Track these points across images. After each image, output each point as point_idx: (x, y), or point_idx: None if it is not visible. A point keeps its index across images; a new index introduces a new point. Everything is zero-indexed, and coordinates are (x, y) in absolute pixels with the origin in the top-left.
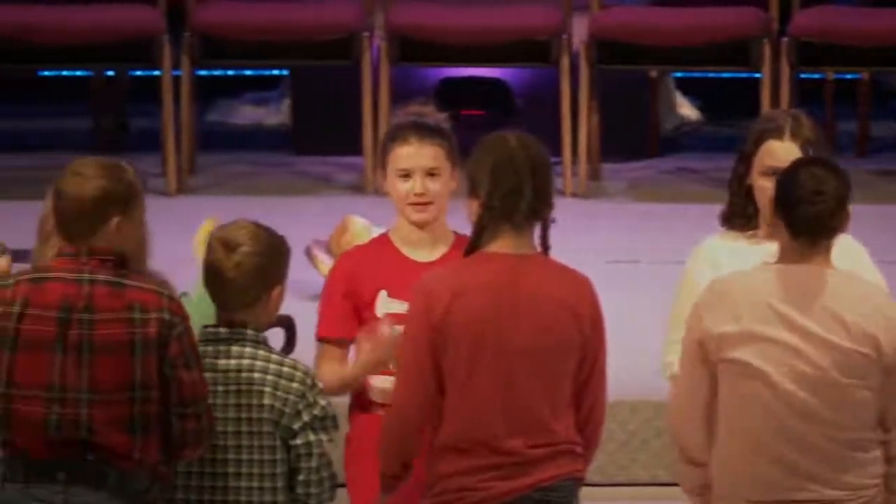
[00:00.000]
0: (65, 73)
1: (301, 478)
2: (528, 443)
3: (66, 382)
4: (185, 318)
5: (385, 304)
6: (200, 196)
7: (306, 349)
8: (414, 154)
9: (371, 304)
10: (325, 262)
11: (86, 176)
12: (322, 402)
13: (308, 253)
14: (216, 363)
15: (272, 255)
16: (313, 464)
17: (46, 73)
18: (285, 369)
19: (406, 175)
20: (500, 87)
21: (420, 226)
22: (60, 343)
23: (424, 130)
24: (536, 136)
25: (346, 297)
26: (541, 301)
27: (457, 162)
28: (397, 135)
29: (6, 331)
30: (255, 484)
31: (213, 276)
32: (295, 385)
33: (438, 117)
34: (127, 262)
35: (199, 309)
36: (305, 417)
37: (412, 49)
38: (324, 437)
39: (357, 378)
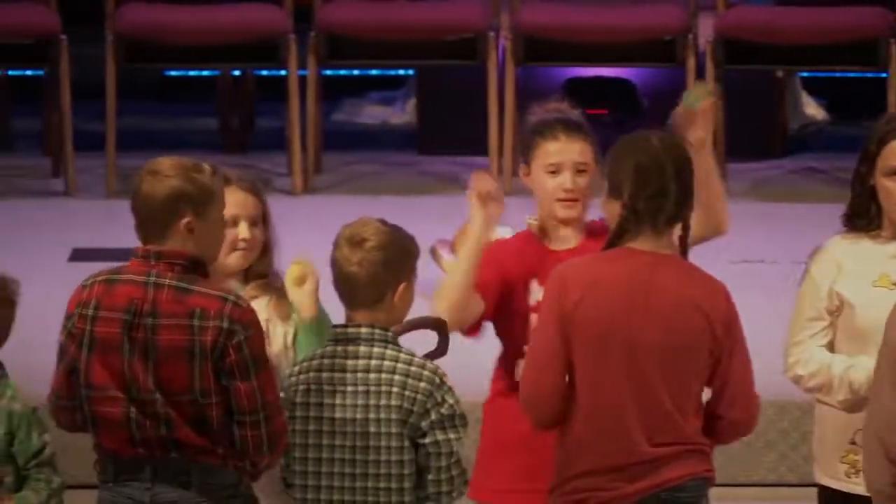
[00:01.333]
0: (192, 73)
1: (430, 477)
2: (655, 441)
3: (139, 384)
4: (250, 325)
5: (538, 293)
6: (326, 195)
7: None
8: (563, 149)
9: (520, 292)
10: (450, 262)
11: (160, 175)
12: (450, 400)
13: (433, 252)
14: (344, 363)
15: (397, 252)
16: (443, 462)
17: (173, 72)
18: (413, 368)
19: (555, 171)
20: (626, 87)
21: (566, 223)
22: (128, 346)
23: (572, 126)
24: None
25: (492, 278)
26: (673, 301)
27: (599, 160)
28: (545, 130)
29: (83, 333)
30: (382, 484)
31: (338, 273)
32: (423, 384)
33: (579, 114)
34: (201, 265)
35: (307, 336)
36: (433, 416)
37: (537, 49)
38: (452, 435)
39: (473, 253)
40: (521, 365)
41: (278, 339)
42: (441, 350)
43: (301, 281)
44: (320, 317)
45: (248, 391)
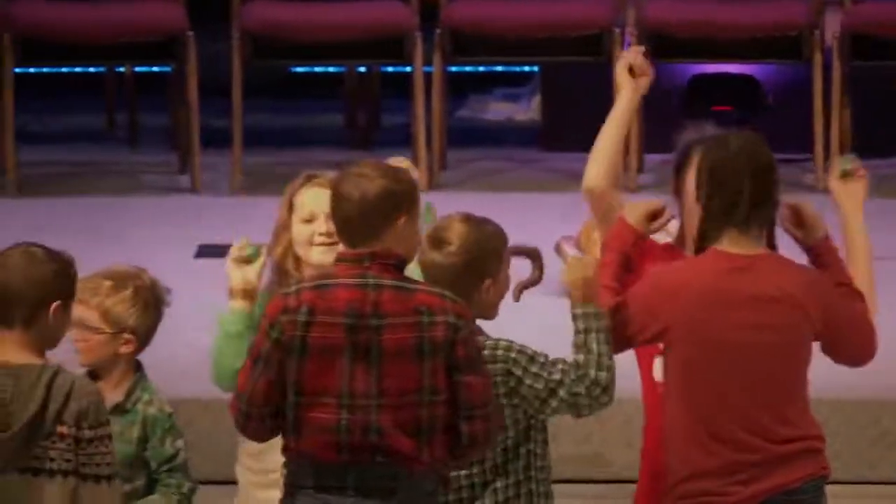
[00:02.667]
0: (318, 69)
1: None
2: (768, 440)
3: (356, 389)
4: (469, 320)
5: None
6: (451, 192)
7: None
8: None
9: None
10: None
11: (369, 177)
12: (533, 369)
13: (558, 249)
14: None
15: (479, 252)
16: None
17: (299, 69)
18: (486, 352)
19: None
20: (751, 84)
21: None
22: (350, 350)
23: None
24: (787, 132)
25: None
26: (765, 300)
27: None
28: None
29: (293, 339)
30: (476, 467)
31: (425, 275)
32: (499, 365)
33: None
34: (405, 263)
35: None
36: (522, 391)
37: (663, 45)
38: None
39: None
40: (660, 362)
41: None
42: (536, 278)
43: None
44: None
45: (478, 385)
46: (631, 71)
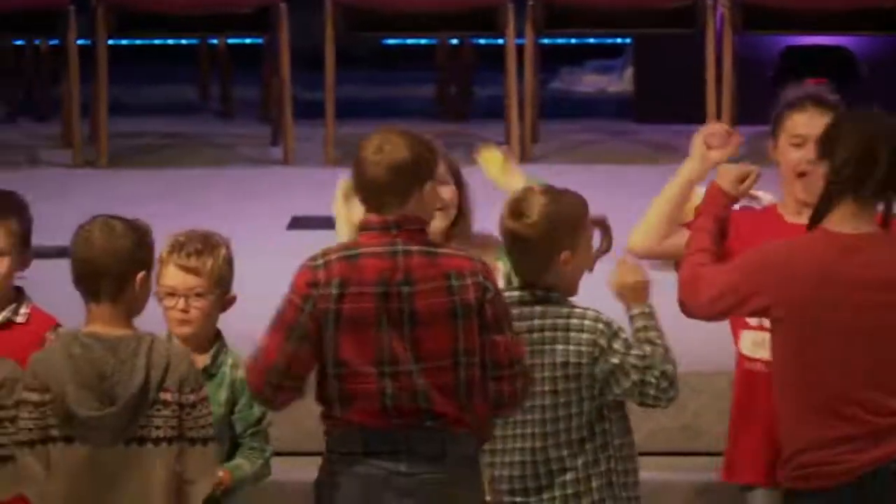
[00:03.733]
0: (410, 41)
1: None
2: (880, 412)
3: (394, 356)
4: (495, 281)
5: None
6: (543, 164)
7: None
8: (810, 122)
9: None
10: None
11: (396, 143)
12: (617, 345)
13: None
14: (520, 326)
15: (557, 224)
16: (633, 377)
17: (392, 41)
18: (573, 321)
19: (799, 143)
20: (845, 56)
21: (806, 200)
22: (383, 318)
23: (823, 102)
24: (880, 105)
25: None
26: (880, 281)
27: None
28: (795, 102)
29: (327, 312)
30: (551, 442)
31: (506, 244)
32: (585, 335)
33: (836, 97)
34: (427, 227)
35: None
36: (602, 363)
37: (756, 17)
38: (634, 351)
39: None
40: (747, 336)
41: None
42: (605, 248)
43: (503, 165)
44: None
45: (506, 344)
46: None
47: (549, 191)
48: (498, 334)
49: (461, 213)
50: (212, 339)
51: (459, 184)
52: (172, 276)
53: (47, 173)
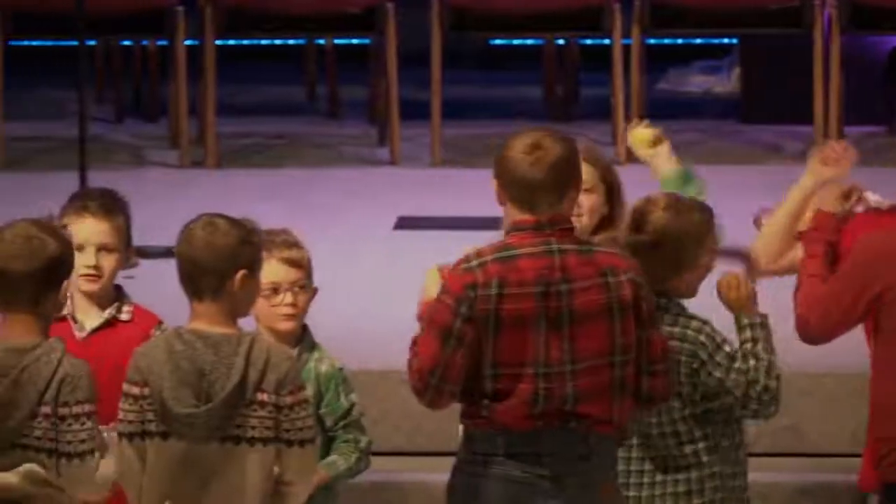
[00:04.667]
0: (516, 41)
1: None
2: None
3: (551, 357)
4: (645, 278)
5: None
6: (644, 164)
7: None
8: None
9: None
10: None
11: (548, 148)
12: (717, 358)
13: (756, 222)
14: None
15: (676, 241)
16: (736, 392)
17: (498, 41)
18: (677, 329)
19: None
20: None
21: None
22: (543, 318)
23: None
24: None
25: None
26: None
27: None
28: None
29: (487, 314)
30: (660, 444)
31: (629, 252)
32: (687, 345)
33: None
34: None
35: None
36: (702, 375)
37: (864, 16)
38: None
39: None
40: None
41: None
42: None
43: (654, 143)
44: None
45: (659, 339)
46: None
47: (674, 204)
48: (653, 329)
49: (610, 220)
50: (298, 334)
51: (612, 191)
52: (274, 271)
53: (155, 174)
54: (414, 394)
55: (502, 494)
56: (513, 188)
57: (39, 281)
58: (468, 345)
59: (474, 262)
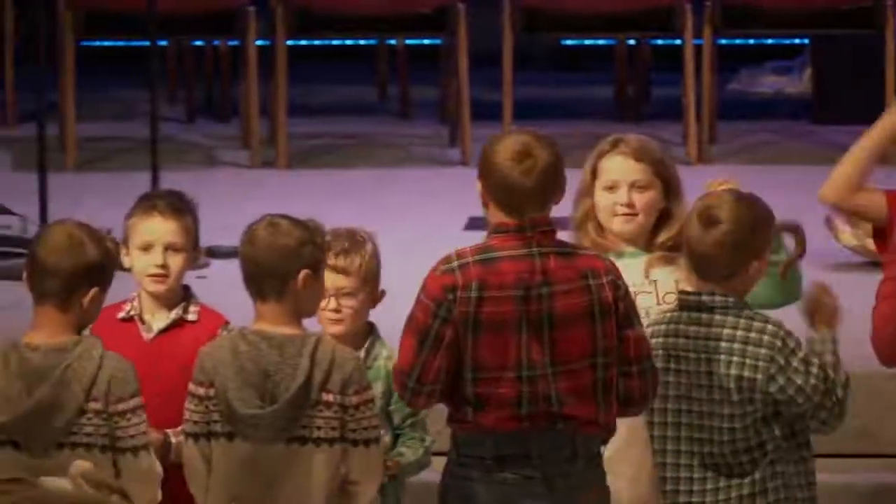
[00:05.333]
0: (587, 42)
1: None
2: None
3: (532, 360)
4: (624, 279)
5: None
6: (720, 165)
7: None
8: None
9: None
10: (846, 232)
11: (537, 156)
12: (794, 362)
13: (828, 223)
14: (688, 329)
15: (750, 232)
16: (814, 399)
17: (569, 42)
18: (752, 334)
19: None
20: None
21: None
22: (524, 321)
23: None
24: None
25: None
26: None
27: None
28: None
29: (466, 317)
30: (727, 449)
31: (690, 250)
32: (763, 350)
33: None
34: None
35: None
36: (780, 381)
37: None
38: (811, 378)
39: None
40: None
41: None
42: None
43: None
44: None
45: (637, 338)
46: None
47: (743, 197)
48: (629, 328)
49: (666, 220)
50: (365, 334)
51: (671, 190)
52: (329, 275)
53: (226, 174)
54: (396, 392)
55: (492, 497)
56: (499, 193)
57: (69, 280)
58: (447, 346)
59: (455, 264)
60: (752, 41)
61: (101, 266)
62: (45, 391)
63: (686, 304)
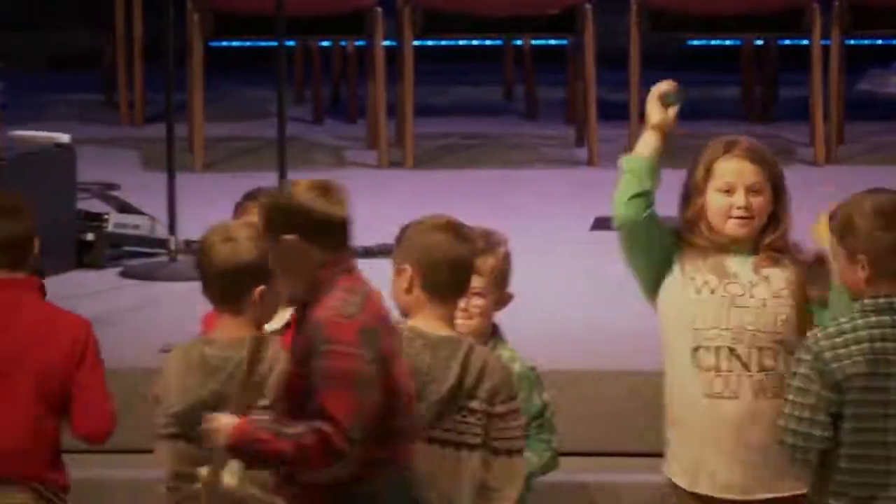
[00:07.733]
0: (714, 42)
1: None
2: None
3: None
4: None
5: None
6: (849, 166)
7: None
8: None
9: None
10: None
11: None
12: None
13: None
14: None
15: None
16: None
17: (696, 42)
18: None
19: None
20: None
21: None
22: None
23: None
24: None
25: None
26: None
27: None
28: None
29: (388, 353)
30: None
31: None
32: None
33: None
34: None
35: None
36: None
37: None
38: None
39: None
40: None
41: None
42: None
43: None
44: None
45: None
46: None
47: (878, 195)
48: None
49: (773, 223)
50: (488, 335)
51: (778, 193)
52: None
53: (353, 174)
54: (334, 461)
55: None
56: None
57: (225, 286)
58: (378, 387)
59: (353, 308)
60: (880, 41)
61: (257, 265)
62: (217, 384)
63: (877, 307)
